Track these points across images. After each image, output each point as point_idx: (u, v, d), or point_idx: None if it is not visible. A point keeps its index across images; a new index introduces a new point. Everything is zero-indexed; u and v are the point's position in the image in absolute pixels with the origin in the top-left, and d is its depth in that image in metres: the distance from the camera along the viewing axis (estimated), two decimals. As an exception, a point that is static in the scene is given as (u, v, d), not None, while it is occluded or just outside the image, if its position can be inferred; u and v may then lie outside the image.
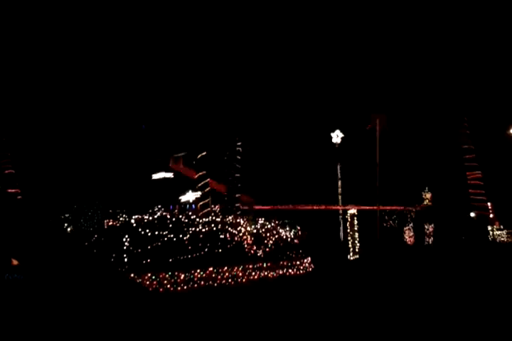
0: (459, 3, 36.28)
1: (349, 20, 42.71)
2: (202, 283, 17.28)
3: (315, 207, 35.54)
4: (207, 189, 29.97)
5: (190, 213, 21.06)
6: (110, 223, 20.60)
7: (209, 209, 25.83)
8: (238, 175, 33.69)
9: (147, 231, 17.72)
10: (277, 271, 20.18)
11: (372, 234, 32.79)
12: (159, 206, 20.78)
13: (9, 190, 26.86)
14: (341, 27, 43.04)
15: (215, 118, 34.19)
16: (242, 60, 38.87)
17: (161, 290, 16.10)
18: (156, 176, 22.69)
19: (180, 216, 19.70)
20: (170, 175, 24.47)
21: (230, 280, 18.17)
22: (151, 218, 18.46)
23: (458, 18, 36.78)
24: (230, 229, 20.15)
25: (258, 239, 21.04)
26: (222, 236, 19.58)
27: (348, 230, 31.13)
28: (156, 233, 17.81)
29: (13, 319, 12.04)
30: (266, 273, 19.65)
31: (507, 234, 35.44)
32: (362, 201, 34.59)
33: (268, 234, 21.75)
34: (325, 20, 42.32)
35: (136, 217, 18.65)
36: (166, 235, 17.94)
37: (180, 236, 18.21)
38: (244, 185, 33.45)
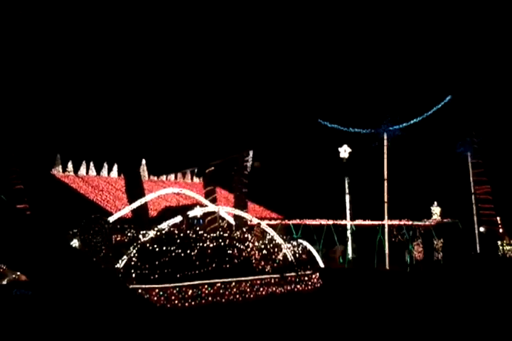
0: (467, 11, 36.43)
1: (347, 28, 43.04)
2: (209, 298, 17.22)
3: (323, 222, 35.44)
4: (215, 204, 30.00)
5: (197, 228, 21.03)
6: (118, 238, 20.62)
7: (216, 224, 25.83)
8: (246, 190, 33.75)
9: (155, 246, 17.72)
10: (285, 287, 20.07)
11: (381, 249, 32.65)
12: (167, 221, 20.75)
13: (18, 206, 26.98)
14: (344, 38, 43.28)
15: (223, 134, 34.36)
16: (251, 76, 39.13)
17: (168, 305, 16.05)
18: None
19: (188, 231, 19.68)
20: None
21: (237, 295, 18.10)
22: (158, 233, 18.46)
23: (464, 28, 36.92)
24: (237, 244, 20.10)
25: (266, 254, 20.95)
26: (229, 252, 19.53)
27: (356, 245, 31.00)
28: (164, 248, 17.79)
29: (21, 335, 12.03)
30: (274, 288, 19.56)
31: (517, 249, 35.12)
32: (370, 216, 34.50)
33: (276, 250, 21.67)
34: (324, 31, 42.64)
35: (144, 232, 18.65)
36: (173, 250, 17.92)
37: (188, 251, 18.19)
38: (252, 199, 33.48)
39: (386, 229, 32.35)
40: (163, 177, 51.25)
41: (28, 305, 14.81)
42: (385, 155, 32.63)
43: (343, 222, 37.51)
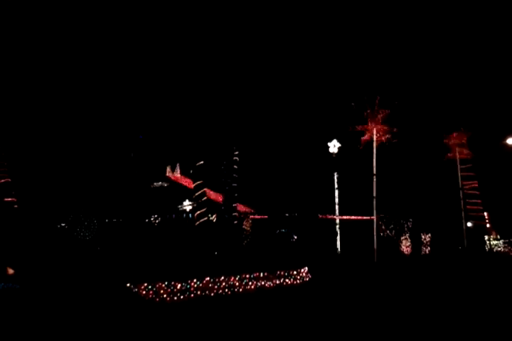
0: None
1: (342, 31, 43.09)
2: (198, 292, 17.20)
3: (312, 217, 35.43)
4: (204, 198, 29.97)
5: (187, 222, 21.04)
6: (107, 232, 20.57)
7: (206, 218, 25.78)
8: (235, 184, 33.73)
9: (144, 240, 17.69)
10: (274, 281, 20.09)
11: (369, 244, 32.76)
12: (156, 215, 20.74)
13: (5, 199, 26.77)
14: (337, 38, 43.32)
15: (212, 128, 34.27)
16: (240, 71, 39.08)
17: (157, 300, 16.01)
18: (155, 184, 22.67)
19: (178, 225, 19.68)
20: (166, 184, 24.46)
21: (226, 290, 18.10)
22: (148, 227, 18.43)
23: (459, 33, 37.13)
24: (226, 238, 20.12)
25: (254, 248, 21.01)
26: (218, 246, 19.54)
27: (345, 239, 31.09)
28: (153, 242, 17.78)
29: (9, 328, 11.97)
30: (262, 282, 19.58)
31: (504, 243, 35.47)
32: (359, 210, 34.58)
33: (265, 244, 21.72)
34: (318, 31, 42.66)
35: (133, 226, 18.61)
36: (162, 244, 17.91)
37: (177, 245, 18.18)
38: (241, 194, 33.44)
39: (374, 224, 32.47)
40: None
41: (15, 298, 14.74)
42: (374, 151, 32.67)
43: (331, 217, 37.57)
